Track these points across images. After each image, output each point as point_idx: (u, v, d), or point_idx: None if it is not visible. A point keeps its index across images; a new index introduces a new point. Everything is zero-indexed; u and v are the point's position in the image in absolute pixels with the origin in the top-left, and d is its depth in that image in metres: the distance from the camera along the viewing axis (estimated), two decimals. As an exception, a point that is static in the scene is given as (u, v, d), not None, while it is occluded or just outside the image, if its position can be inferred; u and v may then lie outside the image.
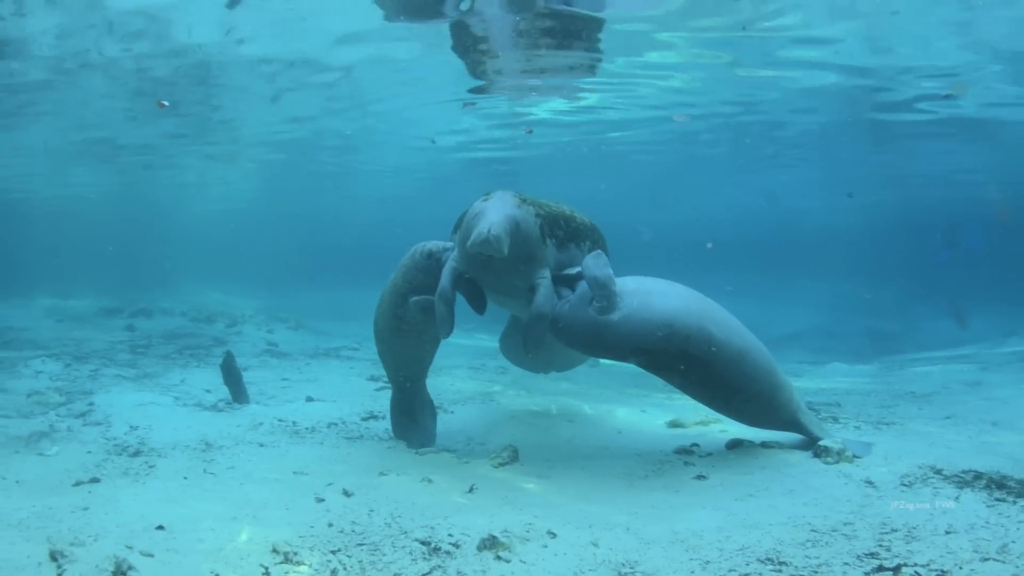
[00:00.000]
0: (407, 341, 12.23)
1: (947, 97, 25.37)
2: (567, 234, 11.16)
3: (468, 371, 20.80)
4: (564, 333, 10.63)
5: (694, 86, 24.19)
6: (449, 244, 11.54)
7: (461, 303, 11.31)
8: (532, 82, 22.17)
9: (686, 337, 10.07)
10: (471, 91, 22.61)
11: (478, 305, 11.49)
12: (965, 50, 20.79)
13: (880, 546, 7.39)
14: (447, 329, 11.12)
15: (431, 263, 11.54)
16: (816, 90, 24.83)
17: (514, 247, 10.40)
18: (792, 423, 10.85)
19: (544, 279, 10.72)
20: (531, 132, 32.26)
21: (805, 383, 18.97)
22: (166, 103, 24.82)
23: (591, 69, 21.27)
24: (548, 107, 27.92)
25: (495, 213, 10.35)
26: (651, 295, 10.29)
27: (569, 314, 10.48)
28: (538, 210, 10.83)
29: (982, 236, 50.03)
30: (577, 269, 10.79)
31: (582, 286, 10.53)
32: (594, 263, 10.39)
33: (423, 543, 7.86)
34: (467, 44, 18.71)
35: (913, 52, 21.05)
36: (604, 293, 10.17)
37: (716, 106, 27.77)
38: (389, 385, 13.15)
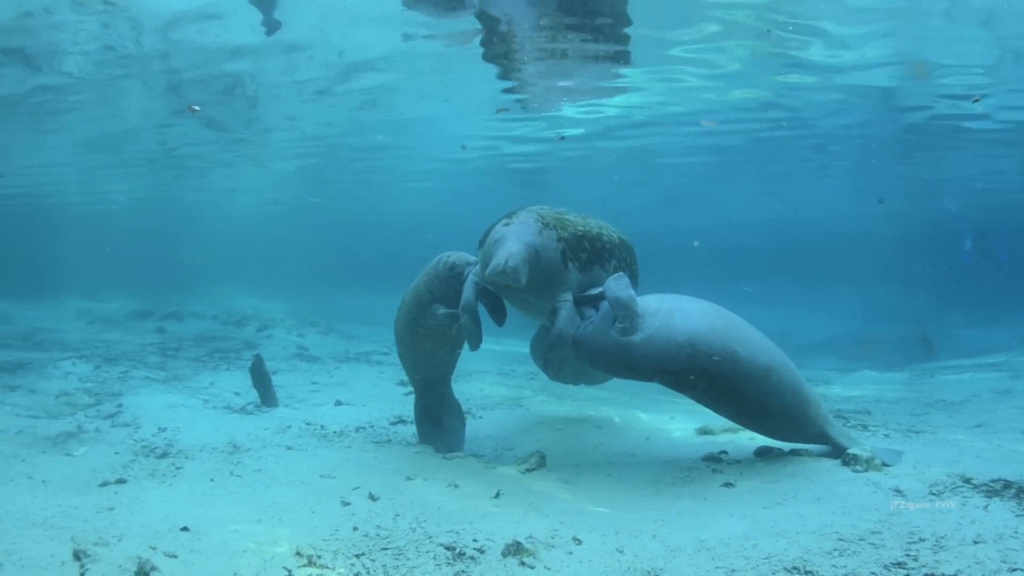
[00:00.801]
0: (424, 346, 12.34)
1: (976, 101, 25.28)
2: (591, 256, 11.00)
3: (497, 376, 20.79)
4: (587, 354, 10.59)
5: (722, 88, 24.09)
6: (472, 259, 11.52)
7: (483, 312, 11.34)
8: (563, 83, 21.98)
9: (709, 356, 10.02)
10: (503, 91, 22.43)
11: (498, 317, 11.56)
12: (992, 55, 20.74)
13: (908, 556, 7.33)
14: (476, 342, 11.22)
15: (453, 275, 11.61)
16: (846, 95, 24.78)
17: (534, 274, 10.40)
18: (820, 436, 10.76)
19: (566, 302, 10.66)
20: (563, 139, 32.21)
21: (835, 390, 18.92)
22: (197, 108, 24.87)
23: (620, 59, 20.98)
24: (578, 110, 27.79)
25: (514, 242, 10.34)
26: (673, 315, 10.23)
27: (592, 335, 10.43)
28: (561, 232, 10.70)
29: (1008, 245, 49.75)
30: (599, 290, 10.72)
31: (605, 307, 10.47)
32: (616, 284, 10.34)
33: (448, 548, 7.85)
34: (496, 48, 18.64)
35: (942, 57, 21.00)
36: (626, 314, 10.12)
37: (745, 111, 27.67)
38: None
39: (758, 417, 10.62)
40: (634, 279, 11.86)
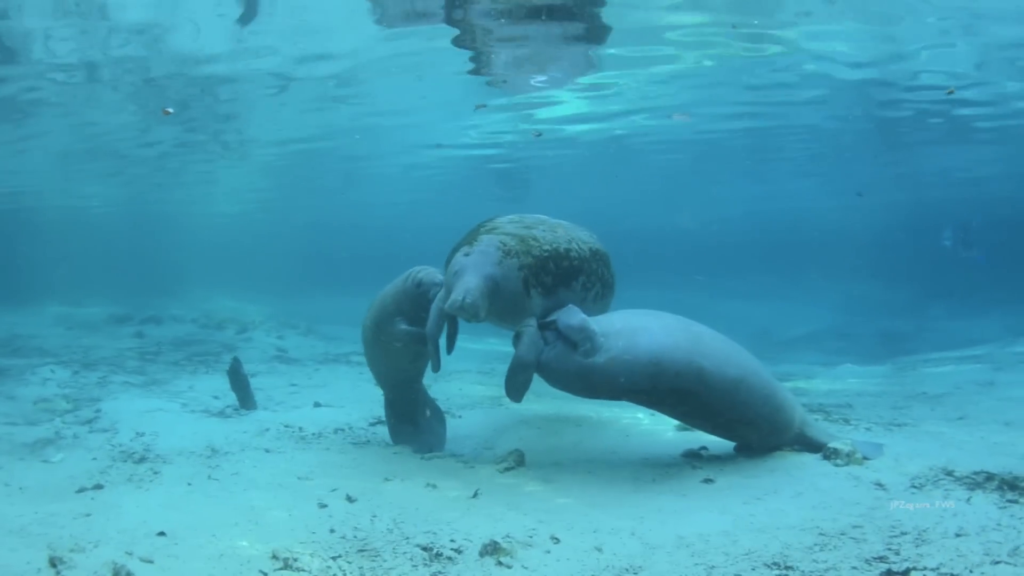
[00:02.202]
0: (387, 352, 12.43)
1: (950, 94, 25.37)
2: (556, 279, 10.89)
3: (478, 375, 20.75)
4: (552, 377, 10.60)
5: (700, 83, 24.05)
6: (441, 278, 11.49)
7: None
8: (532, 67, 21.65)
9: (675, 374, 9.99)
10: (470, 72, 22.04)
11: (450, 344, 11.84)
12: (971, 48, 20.83)
13: (889, 549, 7.31)
14: (436, 366, 11.53)
15: (419, 293, 11.69)
16: (824, 88, 24.82)
17: (495, 304, 10.43)
18: (798, 439, 10.73)
19: (529, 327, 10.62)
20: (540, 135, 32.13)
21: (817, 384, 18.92)
22: (171, 110, 24.79)
23: (594, 39, 20.56)
24: (555, 107, 27.66)
25: (472, 275, 10.30)
26: (636, 334, 10.19)
27: (556, 359, 10.40)
28: (523, 259, 10.60)
29: (986, 240, 49.90)
30: (555, 317, 10.67)
31: (562, 332, 10.45)
32: (566, 315, 10.39)
33: (424, 549, 7.81)
34: (462, 35, 18.45)
35: (918, 50, 21.05)
36: (583, 336, 10.14)
37: (724, 105, 27.65)
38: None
39: (732, 428, 10.61)
40: (607, 289, 11.88)
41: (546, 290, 10.75)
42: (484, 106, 25.98)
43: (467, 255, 10.58)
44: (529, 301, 10.62)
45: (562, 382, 10.57)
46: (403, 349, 12.09)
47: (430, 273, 11.75)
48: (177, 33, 17.78)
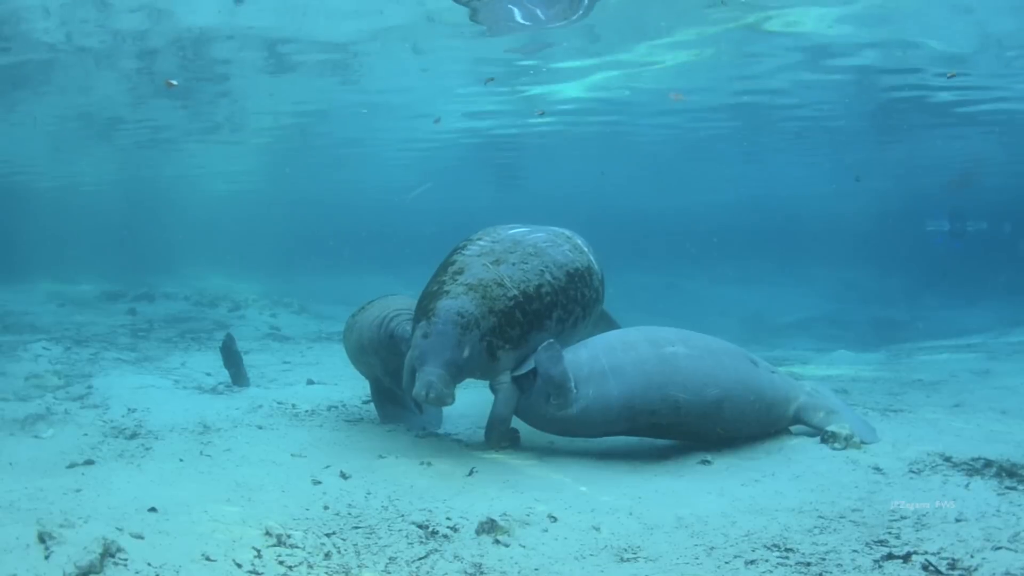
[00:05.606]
0: (370, 369, 12.86)
1: (951, 77, 25.32)
2: (525, 327, 10.65)
3: (471, 355, 20.69)
4: (530, 422, 10.74)
5: (698, 64, 23.92)
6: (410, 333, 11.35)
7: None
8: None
9: (651, 412, 10.04)
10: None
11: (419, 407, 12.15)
12: (972, 35, 20.77)
13: (889, 533, 7.27)
14: (421, 410, 12.03)
15: (393, 343, 11.87)
16: (822, 70, 24.76)
17: (465, 375, 10.54)
18: (796, 421, 10.69)
19: (503, 384, 10.62)
20: (543, 114, 32.02)
21: (811, 370, 18.88)
22: (175, 83, 24.61)
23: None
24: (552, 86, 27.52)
25: (433, 365, 10.18)
26: (607, 377, 10.13)
27: (532, 408, 10.49)
28: (485, 323, 10.37)
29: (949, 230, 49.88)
30: (532, 366, 10.47)
31: (540, 381, 10.38)
32: (547, 359, 10.24)
33: (420, 526, 7.74)
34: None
35: (919, 36, 20.99)
36: (558, 392, 10.14)
37: (721, 86, 27.56)
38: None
39: (724, 439, 10.57)
40: (589, 310, 11.73)
41: (515, 344, 10.62)
42: (493, 80, 25.79)
43: (426, 336, 10.37)
44: (497, 364, 10.58)
45: (540, 427, 10.71)
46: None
47: (401, 325, 11.80)
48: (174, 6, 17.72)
